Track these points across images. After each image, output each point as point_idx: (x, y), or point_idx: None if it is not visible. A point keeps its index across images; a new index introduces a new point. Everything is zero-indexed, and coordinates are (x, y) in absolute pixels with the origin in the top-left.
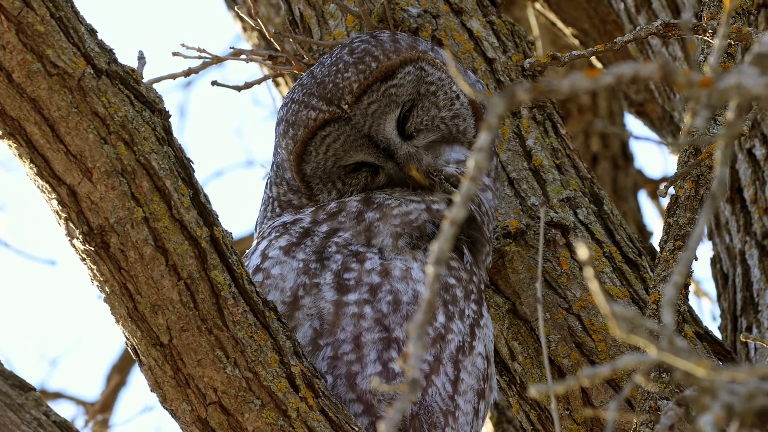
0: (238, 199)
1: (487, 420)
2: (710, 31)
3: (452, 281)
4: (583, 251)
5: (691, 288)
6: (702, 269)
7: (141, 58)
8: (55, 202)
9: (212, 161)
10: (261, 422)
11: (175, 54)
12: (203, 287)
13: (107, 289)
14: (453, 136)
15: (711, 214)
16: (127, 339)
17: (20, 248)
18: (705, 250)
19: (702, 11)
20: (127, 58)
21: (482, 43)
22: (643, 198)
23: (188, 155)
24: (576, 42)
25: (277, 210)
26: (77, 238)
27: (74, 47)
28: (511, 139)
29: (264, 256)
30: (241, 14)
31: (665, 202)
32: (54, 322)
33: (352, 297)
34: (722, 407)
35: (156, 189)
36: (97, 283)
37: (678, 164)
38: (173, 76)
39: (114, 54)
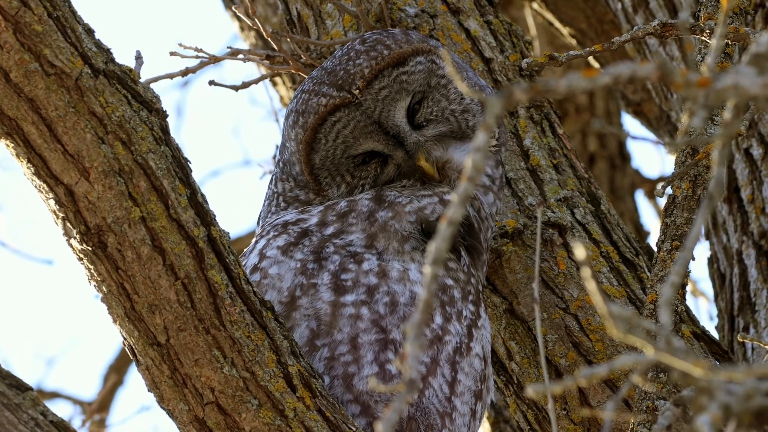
0: (235, 198)
1: (484, 420)
2: (708, 31)
3: (450, 282)
4: (580, 251)
5: (689, 288)
6: (699, 269)
7: (138, 57)
8: (52, 202)
9: (209, 161)
10: (258, 422)
11: (172, 54)
12: (200, 287)
13: (104, 289)
14: (463, 131)
15: (708, 214)
16: (125, 339)
17: (17, 248)
18: (702, 250)
19: (699, 11)
20: (124, 57)
21: (479, 43)
22: (641, 198)
23: (185, 155)
24: (573, 42)
25: (282, 204)
26: (74, 238)
27: (72, 47)
28: (509, 139)
29: (262, 256)
30: (238, 14)
31: (662, 201)
32: (51, 321)
33: (349, 298)
34: (719, 407)
35: (153, 189)
36: (94, 283)
37: (675, 164)
38: (170, 76)
39: (111, 54)
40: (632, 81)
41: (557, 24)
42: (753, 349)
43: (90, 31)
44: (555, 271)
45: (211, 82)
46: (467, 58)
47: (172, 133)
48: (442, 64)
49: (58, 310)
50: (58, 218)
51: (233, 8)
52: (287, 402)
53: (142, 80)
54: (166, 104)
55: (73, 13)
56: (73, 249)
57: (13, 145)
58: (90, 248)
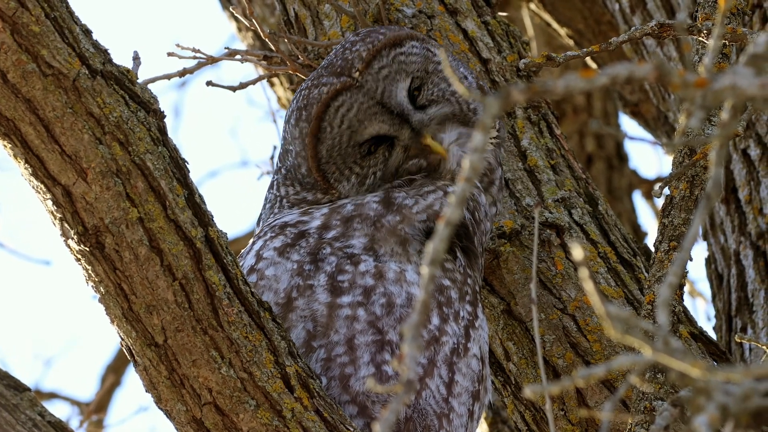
0: (233, 199)
1: (482, 420)
2: (705, 31)
3: (447, 283)
4: (578, 252)
5: (686, 288)
6: (697, 270)
7: (136, 58)
8: (50, 203)
9: (207, 161)
10: (256, 423)
11: (170, 54)
12: (198, 288)
13: (102, 290)
14: (465, 114)
15: (706, 215)
16: (122, 339)
17: (15, 248)
18: (700, 251)
19: (697, 12)
20: (122, 58)
21: (477, 44)
22: (638, 198)
23: (183, 155)
24: (571, 42)
25: (287, 205)
26: (72, 239)
27: (69, 48)
28: (506, 140)
29: (258, 257)
30: (235, 14)
31: (660, 202)
32: (49, 322)
33: (345, 299)
34: (717, 408)
35: (151, 189)
36: (92, 284)
37: (673, 165)
38: (168, 77)
39: (109, 54)
40: (630, 81)
41: (555, 24)
42: (751, 349)
43: (87, 32)
44: (553, 272)
45: (209, 83)
46: (465, 59)
47: (170, 134)
48: (438, 52)
49: (55, 310)
50: (55, 219)
51: (231, 9)
52: (285, 402)
53: (139, 81)
54: (164, 105)
55: (71, 13)
56: (71, 249)
57: (10, 145)
58: (87, 249)
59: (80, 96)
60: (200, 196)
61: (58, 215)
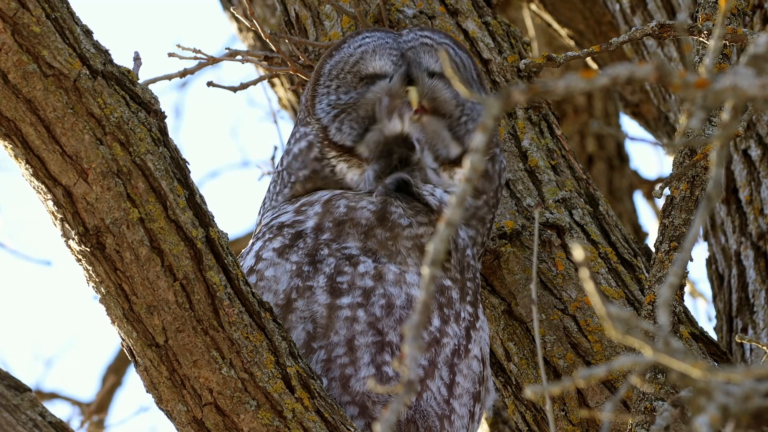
0: (233, 199)
1: (483, 421)
2: (705, 32)
3: (448, 283)
4: (578, 252)
5: (687, 289)
6: (697, 270)
7: (137, 58)
8: (50, 203)
9: (208, 162)
10: (257, 423)
11: (170, 55)
12: (199, 288)
13: (103, 290)
14: (455, 131)
15: (706, 215)
16: (123, 340)
17: (16, 248)
18: (700, 251)
19: (697, 12)
20: (122, 58)
21: (478, 44)
22: (639, 199)
23: (184, 156)
24: (571, 43)
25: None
26: (73, 239)
27: (70, 48)
28: (507, 140)
29: (258, 258)
30: (236, 15)
31: (661, 203)
32: (49, 322)
33: (345, 300)
34: (718, 408)
35: (152, 190)
36: (92, 284)
37: (673, 165)
38: (169, 77)
39: (110, 55)
40: (630, 82)
41: (555, 25)
42: (751, 350)
43: (88, 32)
44: (553, 272)
45: (210, 83)
46: None
47: (171, 134)
48: (462, 54)
49: (56, 311)
50: (56, 219)
51: (231, 9)
52: (286, 403)
53: (140, 81)
54: (165, 105)
55: (72, 14)
56: (72, 250)
57: (11, 146)
58: (88, 249)
59: (81, 96)
60: (201, 196)
61: (59, 216)
